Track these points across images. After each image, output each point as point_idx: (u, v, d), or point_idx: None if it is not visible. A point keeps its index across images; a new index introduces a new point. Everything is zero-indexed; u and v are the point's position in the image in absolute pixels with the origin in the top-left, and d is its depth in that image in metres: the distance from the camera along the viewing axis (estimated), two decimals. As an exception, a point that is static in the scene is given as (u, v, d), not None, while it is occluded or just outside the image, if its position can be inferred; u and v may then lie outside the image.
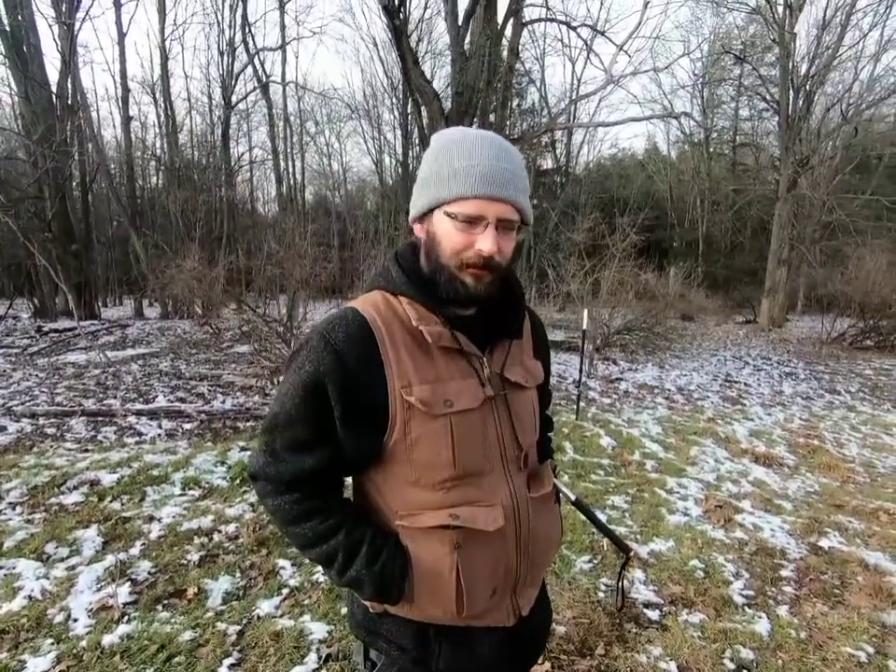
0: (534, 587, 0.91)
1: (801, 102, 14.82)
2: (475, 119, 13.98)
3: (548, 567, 0.96)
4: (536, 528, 0.85)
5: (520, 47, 14.45)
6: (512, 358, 0.87)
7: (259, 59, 17.85)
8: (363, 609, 0.86)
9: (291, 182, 21.18)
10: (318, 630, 2.00)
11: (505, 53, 14.02)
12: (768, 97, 17.07)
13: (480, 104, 13.11)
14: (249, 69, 17.62)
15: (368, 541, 0.78)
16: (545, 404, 1.04)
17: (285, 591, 2.26)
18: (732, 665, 1.90)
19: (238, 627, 2.02)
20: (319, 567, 2.41)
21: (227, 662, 1.84)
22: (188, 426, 4.58)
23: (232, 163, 18.72)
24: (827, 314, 12.57)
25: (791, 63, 14.66)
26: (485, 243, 0.74)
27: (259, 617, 2.08)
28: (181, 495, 3.19)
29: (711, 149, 24.31)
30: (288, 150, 20.78)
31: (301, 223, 9.99)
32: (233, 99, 17.42)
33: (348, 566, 0.78)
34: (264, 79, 17.89)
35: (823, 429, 5.21)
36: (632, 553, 0.86)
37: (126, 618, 2.05)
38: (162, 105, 16.83)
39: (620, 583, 1.05)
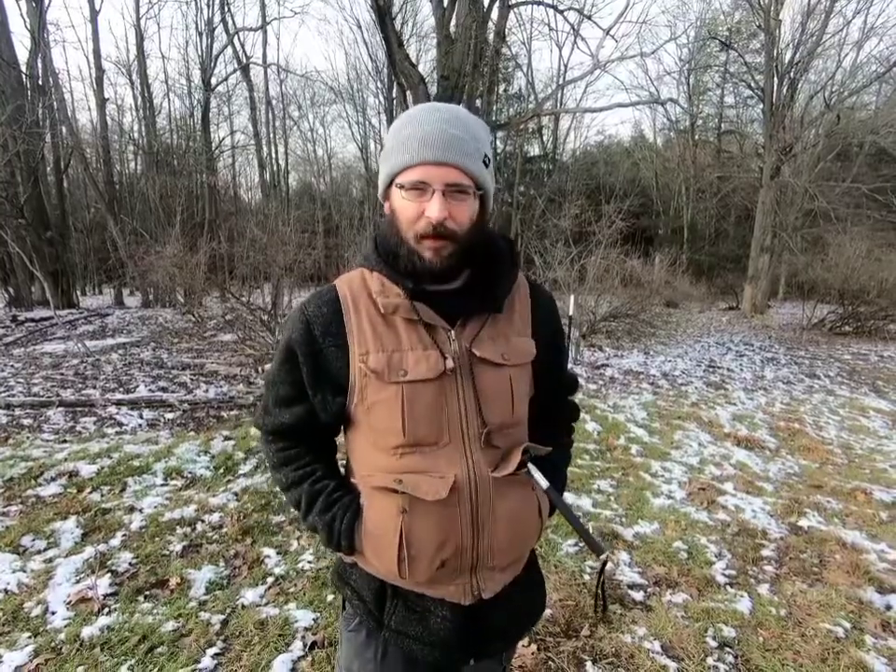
0: (503, 572, 0.88)
1: (785, 89, 14.89)
2: (461, 104, 13.78)
3: (520, 555, 0.92)
4: (498, 510, 0.82)
5: (506, 30, 14.24)
6: (488, 333, 0.84)
7: (238, 39, 17.40)
8: (339, 558, 0.94)
9: (274, 168, 20.79)
10: (304, 618, 1.98)
11: (491, 37, 13.81)
12: (753, 84, 17.15)
13: (466, 88, 12.93)
14: (229, 50, 17.17)
15: (326, 493, 0.87)
16: (554, 385, 0.99)
17: (269, 579, 2.23)
18: (714, 644, 1.93)
19: (222, 616, 1.99)
20: (304, 556, 2.40)
21: (210, 651, 1.81)
22: (170, 415, 4.50)
23: (213, 148, 18.28)
24: (807, 300, 12.79)
25: (775, 51, 14.70)
26: (432, 209, 0.74)
27: (243, 606, 2.06)
28: (163, 485, 3.14)
29: (696, 137, 24.38)
30: (271, 135, 20.36)
31: (285, 209, 9.82)
32: (213, 81, 16.97)
33: (308, 512, 0.88)
34: (244, 61, 17.45)
35: (803, 413, 5.32)
36: (605, 556, 0.82)
37: (106, 610, 2.01)
38: (139, 87, 16.33)
39: (599, 589, 0.96)
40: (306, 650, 1.84)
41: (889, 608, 2.18)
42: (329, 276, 9.75)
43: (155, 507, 2.83)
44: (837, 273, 11.66)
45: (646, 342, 9.20)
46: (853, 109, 17.45)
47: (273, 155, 20.73)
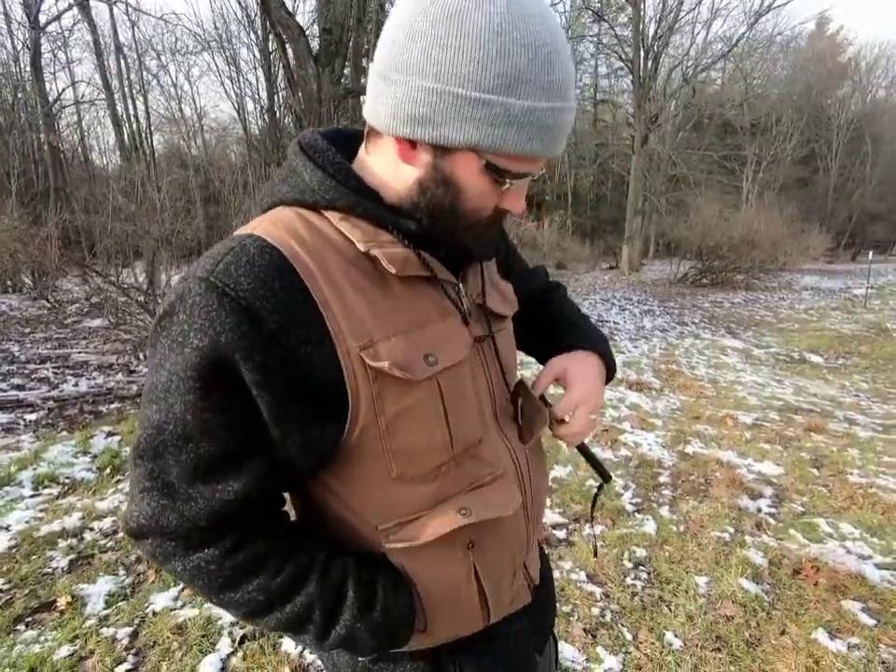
0: (535, 547, 0.76)
1: (650, 62, 16.12)
2: (347, 62, 13.01)
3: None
4: (536, 483, 0.68)
5: (389, -17, 13.59)
6: (489, 282, 0.67)
7: (70, -30, 14.60)
8: (347, 660, 0.63)
9: (133, 127, 18.20)
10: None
11: (374, -11, 13.09)
12: (623, 56, 18.29)
13: (351, 44, 12.18)
14: (59, -18, 14.37)
15: (353, 578, 0.55)
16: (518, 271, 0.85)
17: (183, 579, 2.03)
18: (630, 565, 2.13)
19: (130, 629, 1.77)
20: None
21: (121, 669, 1.61)
22: (31, 416, 3.85)
23: (52, 102, 15.46)
24: (673, 257, 14.37)
25: (641, 24, 15.77)
26: (519, 203, 0.58)
27: (154, 613, 1.85)
28: (34, 495, 2.69)
29: (575, 105, 25.68)
30: (126, 89, 17.69)
31: (153, 174, 8.67)
32: (42, 19, 14.17)
33: (332, 623, 0.54)
34: (81, -3, 14.75)
35: (678, 355, 6.01)
36: (611, 482, 0.79)
37: (-24, 648, 1.69)
38: (-64, 21, 13.14)
39: (593, 507, 0.87)
40: (235, 644, 1.71)
41: (759, 510, 2.58)
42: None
43: (26, 522, 2.42)
44: (696, 233, 13.21)
45: (542, 302, 9.73)
46: (705, 84, 19.50)
47: (132, 112, 18.10)
